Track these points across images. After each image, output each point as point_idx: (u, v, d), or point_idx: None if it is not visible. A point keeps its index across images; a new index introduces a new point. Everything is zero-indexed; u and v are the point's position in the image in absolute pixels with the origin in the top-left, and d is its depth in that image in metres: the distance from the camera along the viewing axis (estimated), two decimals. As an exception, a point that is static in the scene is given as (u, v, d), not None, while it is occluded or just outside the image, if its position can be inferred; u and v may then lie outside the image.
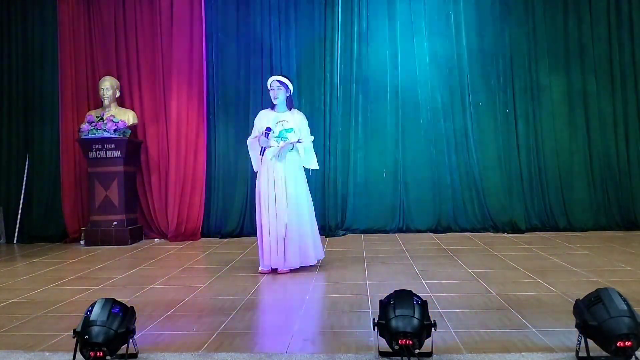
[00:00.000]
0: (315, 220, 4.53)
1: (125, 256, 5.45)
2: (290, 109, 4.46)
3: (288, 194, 4.27)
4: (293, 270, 4.32)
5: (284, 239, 4.26)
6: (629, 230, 6.09)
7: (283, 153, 4.29)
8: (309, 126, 6.44)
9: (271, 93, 4.41)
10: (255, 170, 4.52)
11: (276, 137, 4.31)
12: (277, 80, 4.41)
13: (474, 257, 4.81)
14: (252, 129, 4.60)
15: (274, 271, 4.31)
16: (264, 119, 4.41)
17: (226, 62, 6.71)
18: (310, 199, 4.49)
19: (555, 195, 6.36)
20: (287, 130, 4.32)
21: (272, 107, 4.46)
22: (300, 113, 4.53)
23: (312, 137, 4.53)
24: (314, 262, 4.45)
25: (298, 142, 4.37)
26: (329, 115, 6.57)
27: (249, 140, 4.51)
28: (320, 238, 4.61)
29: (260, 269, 4.36)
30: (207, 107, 6.60)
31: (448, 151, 6.51)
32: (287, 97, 4.43)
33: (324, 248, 5.51)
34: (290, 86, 4.46)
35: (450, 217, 6.43)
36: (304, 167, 4.50)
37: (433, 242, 5.75)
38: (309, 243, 4.39)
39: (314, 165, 4.56)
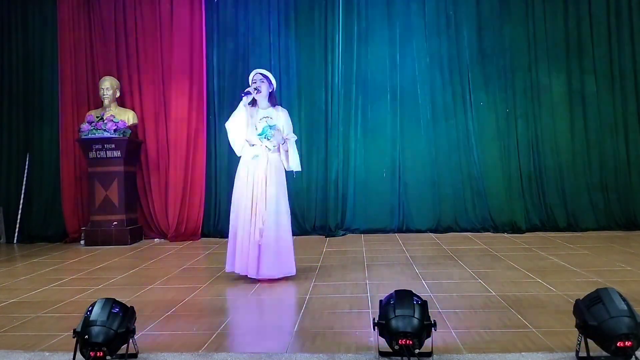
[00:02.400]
0: (290, 228, 4.15)
1: (125, 256, 5.45)
2: (273, 106, 4.19)
3: (268, 196, 3.97)
4: (287, 277, 4.12)
5: (259, 245, 3.95)
6: (629, 230, 6.09)
7: (276, 136, 4.02)
8: (310, 126, 6.58)
9: (253, 86, 4.07)
10: (239, 155, 4.16)
11: (259, 134, 4.07)
12: (260, 73, 4.12)
13: (474, 257, 4.81)
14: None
15: (254, 280, 4.02)
16: (240, 110, 4.09)
17: (226, 62, 6.71)
18: (288, 205, 4.14)
19: (555, 195, 6.36)
20: (271, 127, 4.07)
21: (253, 103, 4.14)
22: (285, 110, 4.22)
23: (295, 137, 4.22)
24: (293, 274, 4.08)
25: (284, 141, 4.09)
26: (329, 115, 6.57)
27: (229, 125, 4.11)
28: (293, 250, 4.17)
29: (226, 268, 4.06)
30: (206, 107, 6.60)
31: (448, 151, 6.51)
32: (269, 92, 4.16)
33: (323, 249, 5.52)
34: (274, 82, 4.20)
35: (450, 217, 6.43)
36: (286, 170, 4.17)
37: (433, 242, 5.75)
38: (288, 252, 4.05)
39: (297, 165, 4.18)
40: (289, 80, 6.61)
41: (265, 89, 4.12)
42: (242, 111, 4.06)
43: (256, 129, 4.08)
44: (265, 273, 4.00)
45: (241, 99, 4.08)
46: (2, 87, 6.86)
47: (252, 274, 4.00)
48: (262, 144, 4.07)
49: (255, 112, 4.13)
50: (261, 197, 3.98)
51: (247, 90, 4.08)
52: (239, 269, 4.04)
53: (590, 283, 3.62)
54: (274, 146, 4.08)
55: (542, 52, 6.45)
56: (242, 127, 4.07)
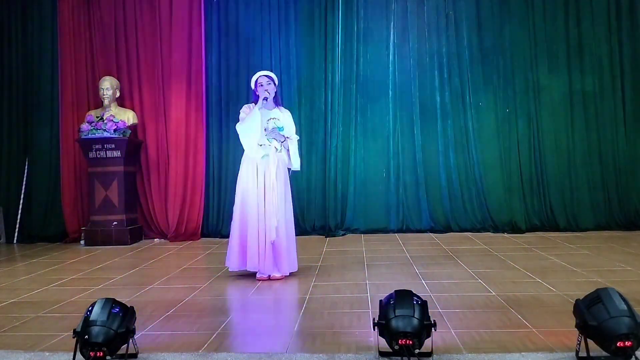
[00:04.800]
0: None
1: (125, 256, 5.45)
2: (277, 106, 4.29)
3: (279, 195, 4.07)
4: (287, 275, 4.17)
5: (273, 243, 4.03)
6: (629, 230, 6.09)
7: (274, 134, 4.12)
8: (309, 126, 6.58)
9: (260, 89, 4.15)
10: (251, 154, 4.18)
11: (267, 135, 4.15)
12: (267, 76, 4.21)
13: (474, 257, 4.81)
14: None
15: (269, 278, 4.08)
16: (256, 115, 4.13)
17: (226, 62, 6.70)
18: (292, 203, 4.29)
19: (555, 195, 6.36)
20: (279, 129, 4.19)
21: (257, 103, 4.18)
22: (288, 111, 4.36)
23: (298, 137, 4.37)
24: (296, 269, 4.24)
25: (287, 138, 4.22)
26: (329, 115, 6.57)
27: (240, 126, 4.16)
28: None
29: (230, 267, 4.14)
30: (206, 107, 6.60)
31: (448, 151, 6.51)
32: (275, 93, 4.26)
33: (323, 249, 5.52)
34: (276, 81, 4.30)
35: (450, 217, 6.43)
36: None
37: (433, 242, 5.75)
38: (294, 249, 4.21)
39: (297, 165, 4.31)
40: (289, 80, 6.61)
41: (272, 91, 4.22)
42: (257, 114, 4.09)
43: (265, 129, 4.15)
44: (283, 270, 4.10)
45: (255, 102, 4.16)
46: (2, 87, 6.85)
47: (268, 271, 4.06)
48: (270, 144, 4.15)
49: (264, 113, 4.20)
50: (273, 196, 4.06)
51: (264, 96, 4.13)
52: (250, 267, 4.06)
53: (590, 283, 3.62)
54: (281, 143, 4.17)
55: (542, 52, 6.45)
56: (258, 129, 4.09)
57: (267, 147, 4.14)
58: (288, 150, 4.24)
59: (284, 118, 4.26)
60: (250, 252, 4.05)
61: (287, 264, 4.13)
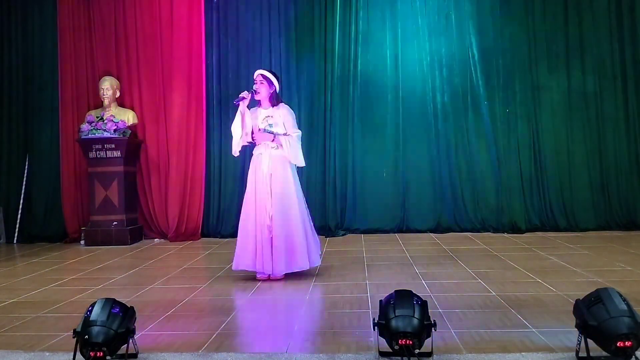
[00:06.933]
0: (310, 223, 4.23)
1: (125, 256, 5.45)
2: (276, 105, 4.20)
3: (274, 193, 4.02)
4: (289, 273, 4.12)
5: (271, 242, 4.00)
6: (629, 230, 6.09)
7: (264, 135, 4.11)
8: (309, 126, 6.57)
9: (254, 87, 4.14)
10: (234, 155, 4.28)
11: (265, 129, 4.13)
12: (261, 75, 4.15)
13: (474, 257, 4.81)
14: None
15: (269, 278, 4.07)
16: (252, 113, 4.18)
17: (225, 62, 6.70)
18: (303, 199, 4.20)
19: (555, 195, 6.36)
20: (271, 126, 4.13)
21: (258, 103, 4.21)
22: (287, 107, 4.25)
23: (299, 132, 4.25)
24: (306, 268, 4.09)
25: (284, 134, 4.13)
26: (329, 115, 6.56)
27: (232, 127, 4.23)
28: (318, 243, 4.26)
29: (233, 267, 4.11)
30: (206, 106, 6.60)
31: (448, 151, 6.50)
32: (271, 93, 4.15)
33: (323, 249, 5.51)
34: (275, 82, 4.20)
35: (450, 217, 6.43)
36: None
37: (433, 242, 5.75)
38: (298, 247, 4.04)
39: (299, 161, 4.20)
40: (289, 80, 6.60)
41: (265, 90, 4.15)
42: (237, 117, 4.17)
43: (259, 129, 4.14)
44: (277, 270, 4.04)
45: (236, 106, 4.16)
46: (2, 87, 6.85)
47: (267, 270, 4.05)
48: (264, 142, 4.14)
49: (258, 113, 4.19)
50: (266, 195, 4.05)
51: (240, 96, 4.11)
52: (248, 267, 4.05)
53: (590, 283, 3.62)
54: (272, 141, 4.12)
55: (542, 52, 6.44)
56: (238, 131, 4.16)
57: (261, 145, 4.14)
58: (282, 145, 4.14)
59: (279, 115, 4.15)
60: (249, 251, 4.04)
61: (284, 263, 4.03)
